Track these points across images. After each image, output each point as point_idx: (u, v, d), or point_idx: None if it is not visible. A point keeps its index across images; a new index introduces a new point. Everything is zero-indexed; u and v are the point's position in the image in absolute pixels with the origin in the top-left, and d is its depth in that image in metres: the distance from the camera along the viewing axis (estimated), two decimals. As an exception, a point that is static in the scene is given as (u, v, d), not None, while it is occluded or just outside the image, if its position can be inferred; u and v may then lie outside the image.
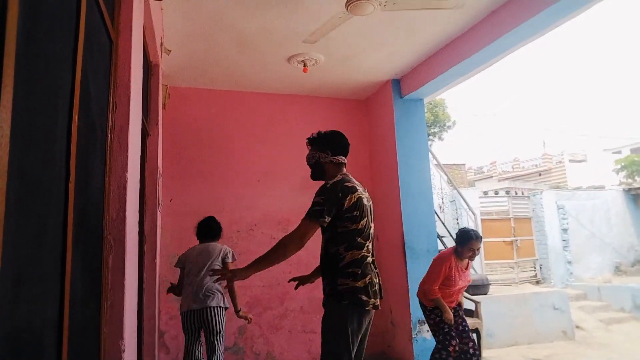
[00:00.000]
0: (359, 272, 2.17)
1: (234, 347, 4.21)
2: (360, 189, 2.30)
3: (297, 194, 4.63)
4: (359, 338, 2.23)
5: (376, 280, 2.25)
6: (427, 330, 4.21)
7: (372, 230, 2.31)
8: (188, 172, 4.38)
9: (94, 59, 1.46)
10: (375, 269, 2.31)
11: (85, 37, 1.31)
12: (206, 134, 4.51)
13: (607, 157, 23.33)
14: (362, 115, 5.11)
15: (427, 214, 4.46)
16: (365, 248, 2.23)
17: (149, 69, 3.27)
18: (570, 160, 24.20)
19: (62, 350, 1.08)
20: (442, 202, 9.26)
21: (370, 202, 2.38)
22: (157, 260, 3.19)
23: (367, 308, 2.17)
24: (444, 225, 7.09)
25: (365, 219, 2.23)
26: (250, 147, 4.62)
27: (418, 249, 4.33)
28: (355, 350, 2.21)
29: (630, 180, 19.13)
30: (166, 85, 4.24)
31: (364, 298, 2.15)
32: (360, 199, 2.23)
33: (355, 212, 2.20)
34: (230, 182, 4.50)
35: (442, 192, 9.32)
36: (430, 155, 5.81)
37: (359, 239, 2.20)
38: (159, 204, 3.31)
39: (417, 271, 4.28)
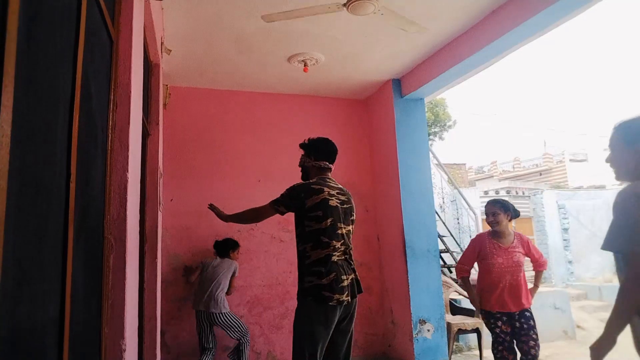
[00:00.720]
0: (324, 270, 2.33)
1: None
2: (331, 191, 2.48)
3: (298, 193, 4.63)
4: (330, 333, 2.36)
5: (345, 277, 2.37)
6: (428, 330, 4.21)
7: (344, 231, 2.45)
8: (189, 171, 4.38)
9: (95, 58, 1.46)
10: (350, 265, 2.44)
11: (86, 37, 1.31)
12: (206, 134, 4.51)
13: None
14: (363, 115, 5.11)
15: (428, 213, 4.46)
16: (332, 247, 2.38)
17: (150, 69, 3.27)
18: (571, 160, 24.20)
19: (63, 350, 1.08)
20: (443, 202, 9.26)
21: (348, 205, 2.54)
22: (158, 260, 3.19)
23: (331, 304, 2.29)
24: (445, 225, 7.10)
25: (330, 219, 2.39)
26: (250, 147, 4.62)
27: (418, 249, 4.33)
28: (325, 344, 2.36)
29: (631, 180, 19.06)
30: (167, 85, 4.24)
31: (327, 294, 2.29)
32: (325, 199, 2.41)
33: (318, 212, 2.38)
34: (231, 181, 4.50)
35: (442, 192, 9.31)
36: (430, 155, 5.81)
37: (324, 238, 2.37)
38: (159, 203, 3.31)
39: (417, 271, 4.29)
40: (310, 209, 2.39)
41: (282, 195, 2.53)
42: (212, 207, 2.95)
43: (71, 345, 1.13)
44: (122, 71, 1.73)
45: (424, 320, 4.21)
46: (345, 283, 2.36)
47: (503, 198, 3.43)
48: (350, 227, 2.53)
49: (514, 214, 3.33)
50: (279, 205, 2.51)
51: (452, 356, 4.46)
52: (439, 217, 6.35)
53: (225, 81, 4.46)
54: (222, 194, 4.43)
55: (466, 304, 4.94)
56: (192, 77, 4.32)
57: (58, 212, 1.07)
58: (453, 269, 6.54)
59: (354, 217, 2.60)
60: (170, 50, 3.56)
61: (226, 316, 3.77)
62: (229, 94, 4.67)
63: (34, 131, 0.92)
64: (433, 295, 4.29)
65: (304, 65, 3.98)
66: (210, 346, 3.78)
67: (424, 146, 4.63)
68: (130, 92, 1.73)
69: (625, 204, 1.38)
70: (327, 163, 2.67)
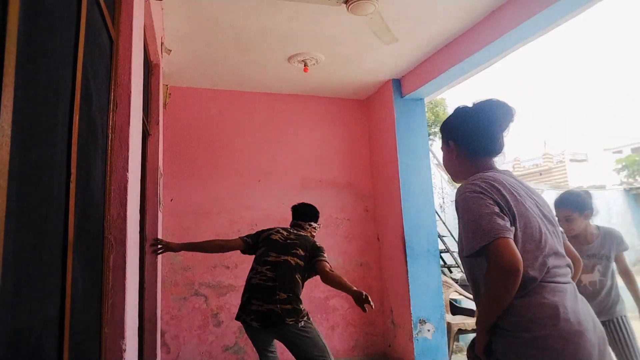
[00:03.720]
0: (244, 290, 2.78)
1: (235, 346, 4.22)
2: (281, 230, 2.97)
3: (298, 193, 4.64)
4: (257, 347, 2.74)
5: (257, 302, 2.65)
6: (428, 330, 4.21)
7: (275, 259, 2.77)
8: (189, 171, 4.38)
9: (95, 58, 1.46)
10: (274, 296, 2.66)
11: (86, 37, 1.31)
12: (207, 134, 4.51)
13: (608, 157, 23.32)
14: (363, 115, 5.11)
15: (428, 213, 4.46)
16: (254, 270, 2.79)
17: (150, 69, 3.27)
18: (571, 160, 24.20)
19: (63, 350, 1.08)
20: (443, 202, 9.26)
21: (292, 242, 2.88)
22: (158, 260, 3.19)
23: (239, 320, 2.71)
24: (445, 225, 7.10)
25: (263, 249, 2.85)
26: (250, 147, 4.63)
27: (419, 249, 4.33)
28: (261, 354, 2.74)
29: (631, 180, 19.11)
30: (167, 85, 4.24)
31: (239, 312, 2.72)
32: (267, 237, 2.92)
33: (260, 244, 2.91)
34: (231, 181, 4.50)
35: (442, 192, 9.31)
36: (431, 155, 5.81)
37: (254, 264, 2.84)
38: (160, 203, 3.31)
39: (417, 271, 4.29)
40: (258, 243, 2.95)
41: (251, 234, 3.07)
42: (157, 242, 3.07)
43: (71, 345, 1.13)
44: (122, 71, 1.73)
45: (424, 320, 4.21)
46: (254, 308, 2.63)
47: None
48: (288, 258, 2.78)
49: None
50: (243, 237, 3.01)
51: (452, 356, 4.46)
52: (439, 217, 6.36)
53: (225, 81, 4.46)
54: (222, 194, 4.43)
55: (466, 303, 4.94)
56: (192, 77, 4.32)
57: (58, 212, 1.07)
58: (453, 269, 6.55)
59: (302, 254, 2.82)
60: (170, 50, 3.56)
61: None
62: (229, 94, 4.67)
63: (34, 131, 0.92)
64: (433, 295, 4.29)
65: (304, 65, 3.98)
66: None
67: (424, 146, 4.63)
68: (130, 92, 1.73)
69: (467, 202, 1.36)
70: (296, 221, 3.14)
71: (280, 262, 2.75)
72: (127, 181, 1.65)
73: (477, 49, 3.47)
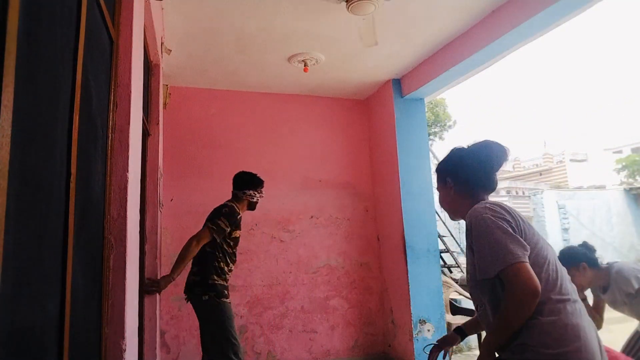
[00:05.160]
0: None
1: (235, 346, 4.22)
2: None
3: (298, 193, 4.64)
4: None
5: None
6: (428, 330, 4.21)
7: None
8: (189, 171, 4.38)
9: (95, 58, 1.46)
10: (191, 266, 3.04)
11: (86, 37, 1.31)
12: (207, 134, 4.51)
13: (608, 157, 23.32)
14: (363, 115, 5.11)
15: (428, 213, 4.46)
16: None
17: (150, 69, 3.27)
18: (571, 160, 24.21)
19: (63, 350, 1.08)
20: (443, 202, 9.24)
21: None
22: (158, 260, 3.19)
23: None
24: (445, 225, 7.10)
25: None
26: (250, 147, 4.63)
27: (419, 249, 4.33)
28: None
29: (631, 180, 19.11)
30: (167, 85, 4.24)
31: None
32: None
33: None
34: (231, 181, 4.50)
35: (442, 192, 9.30)
36: (431, 155, 5.81)
37: None
38: (159, 203, 3.31)
39: (417, 271, 4.29)
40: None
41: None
42: (151, 283, 2.95)
43: (71, 345, 1.13)
44: (122, 71, 1.73)
45: (424, 320, 4.21)
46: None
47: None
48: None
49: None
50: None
51: (452, 356, 4.46)
52: (439, 217, 6.35)
53: (225, 81, 4.46)
54: (222, 194, 4.42)
55: (466, 303, 4.94)
56: (192, 77, 4.32)
57: (58, 212, 1.07)
58: (453, 269, 6.55)
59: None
60: (170, 50, 3.56)
61: None
62: (229, 94, 4.67)
63: (34, 131, 0.92)
64: (433, 295, 4.29)
65: (304, 65, 3.98)
66: None
67: (424, 146, 4.63)
68: (131, 92, 1.73)
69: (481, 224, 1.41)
70: (233, 190, 3.24)
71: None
72: (127, 181, 1.65)
73: (477, 49, 3.47)
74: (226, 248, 2.99)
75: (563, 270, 1.43)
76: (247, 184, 3.11)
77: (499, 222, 1.38)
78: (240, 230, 3.10)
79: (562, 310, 1.32)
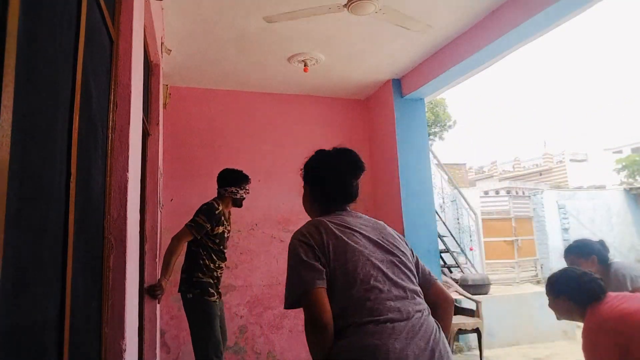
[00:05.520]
0: None
1: (235, 346, 4.22)
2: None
3: (297, 193, 4.62)
4: None
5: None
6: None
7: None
8: (189, 171, 4.38)
9: (95, 58, 1.46)
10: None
11: (86, 37, 1.31)
12: (207, 134, 4.51)
13: (608, 157, 23.31)
14: (363, 115, 5.11)
15: (428, 213, 4.46)
16: None
17: (150, 69, 3.27)
18: (571, 160, 24.21)
19: (63, 350, 1.08)
20: (443, 202, 9.26)
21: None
22: (158, 260, 3.19)
23: None
24: (445, 225, 7.10)
25: None
26: (250, 147, 4.63)
27: (419, 249, 4.31)
28: None
29: (631, 180, 19.10)
30: (167, 85, 4.24)
31: None
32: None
33: None
34: (231, 181, 4.50)
35: (442, 192, 9.32)
36: (430, 155, 5.81)
37: None
38: (159, 203, 3.31)
39: (417, 271, 4.28)
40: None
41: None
42: (154, 288, 2.97)
43: (71, 345, 1.13)
44: (122, 71, 1.73)
45: (424, 320, 4.20)
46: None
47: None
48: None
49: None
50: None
51: (452, 356, 4.46)
52: (439, 217, 6.36)
53: (225, 81, 4.46)
54: (222, 194, 4.42)
55: (466, 303, 4.94)
56: (192, 77, 4.32)
57: (58, 212, 1.07)
58: (453, 269, 6.55)
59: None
60: (170, 50, 3.56)
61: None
62: (229, 94, 4.67)
63: (34, 131, 0.92)
64: (433, 295, 4.28)
65: (304, 65, 3.98)
66: None
67: (424, 146, 4.63)
68: (131, 92, 1.73)
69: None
70: (217, 189, 3.27)
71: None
72: (127, 181, 1.65)
73: (477, 49, 3.47)
74: (211, 245, 3.02)
75: (387, 285, 1.27)
76: (227, 181, 3.14)
77: (299, 248, 1.30)
78: (224, 226, 3.10)
79: (363, 331, 1.20)
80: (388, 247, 1.37)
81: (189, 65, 4.04)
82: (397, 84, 4.57)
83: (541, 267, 11.18)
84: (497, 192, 12.60)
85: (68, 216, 1.12)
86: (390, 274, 1.31)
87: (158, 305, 3.16)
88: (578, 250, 2.58)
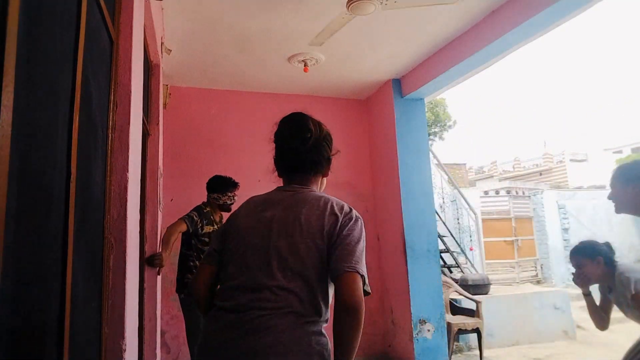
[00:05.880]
0: None
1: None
2: None
3: (298, 193, 4.63)
4: None
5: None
6: (428, 330, 4.21)
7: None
8: (189, 171, 4.38)
9: (95, 58, 1.46)
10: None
11: (86, 37, 1.31)
12: (207, 134, 4.51)
13: (608, 157, 23.28)
14: (363, 115, 5.11)
15: (428, 213, 4.46)
16: None
17: (150, 69, 3.27)
18: (571, 160, 24.20)
19: (63, 350, 1.08)
20: (443, 202, 9.26)
21: None
22: (158, 260, 3.19)
23: None
24: (445, 225, 7.10)
25: None
26: (250, 147, 4.62)
27: (419, 249, 4.33)
28: None
29: (631, 180, 19.02)
30: (167, 85, 4.24)
31: None
32: None
33: None
34: (231, 181, 4.50)
35: (442, 192, 9.31)
36: (431, 155, 5.81)
37: None
38: (159, 203, 3.31)
39: (417, 271, 4.28)
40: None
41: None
42: (152, 257, 3.06)
43: (71, 345, 1.13)
44: (122, 71, 1.73)
45: (424, 320, 4.21)
46: None
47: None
48: None
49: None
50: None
51: (452, 356, 4.46)
52: (439, 217, 6.36)
53: (225, 81, 4.46)
54: (222, 194, 4.42)
55: (466, 303, 4.95)
56: (192, 77, 4.32)
57: (58, 212, 1.07)
58: (453, 269, 6.55)
59: None
60: (170, 50, 3.56)
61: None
62: (229, 94, 4.67)
63: (34, 131, 0.92)
64: (433, 295, 4.28)
65: (304, 65, 3.98)
66: None
67: (424, 146, 4.63)
68: (131, 92, 1.73)
69: None
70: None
71: None
72: (127, 181, 1.65)
73: (477, 49, 3.47)
74: (200, 247, 3.19)
75: (248, 273, 1.22)
76: (212, 188, 3.36)
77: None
78: (213, 227, 3.28)
79: (210, 315, 1.24)
80: (299, 231, 1.31)
81: (189, 65, 4.04)
82: (397, 84, 4.57)
83: (541, 267, 11.18)
84: (497, 192, 12.60)
85: (68, 216, 1.12)
86: (277, 258, 1.25)
87: (158, 305, 3.16)
88: (584, 252, 2.57)
